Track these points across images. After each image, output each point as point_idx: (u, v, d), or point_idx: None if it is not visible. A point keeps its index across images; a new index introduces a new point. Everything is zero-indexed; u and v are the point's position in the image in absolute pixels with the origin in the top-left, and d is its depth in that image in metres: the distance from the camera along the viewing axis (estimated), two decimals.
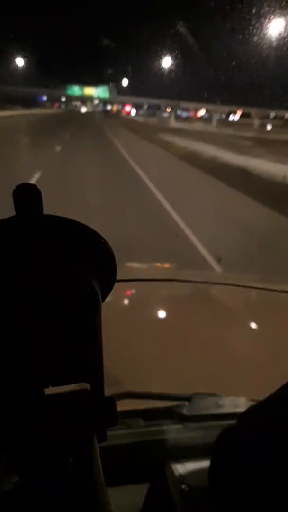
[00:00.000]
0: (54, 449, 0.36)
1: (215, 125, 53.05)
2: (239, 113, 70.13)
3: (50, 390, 0.37)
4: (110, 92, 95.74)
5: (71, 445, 0.36)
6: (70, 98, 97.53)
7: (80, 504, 0.33)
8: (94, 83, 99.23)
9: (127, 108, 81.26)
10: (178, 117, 68.69)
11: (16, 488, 0.34)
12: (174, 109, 68.15)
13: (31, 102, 76.04)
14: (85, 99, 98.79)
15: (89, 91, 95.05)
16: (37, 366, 0.36)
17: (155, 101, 76.84)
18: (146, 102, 77.63)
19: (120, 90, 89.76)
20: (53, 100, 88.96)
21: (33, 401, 0.37)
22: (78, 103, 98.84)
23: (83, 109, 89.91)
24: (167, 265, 2.12)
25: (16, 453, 0.36)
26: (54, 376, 0.37)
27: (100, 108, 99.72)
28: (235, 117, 70.98)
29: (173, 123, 50.86)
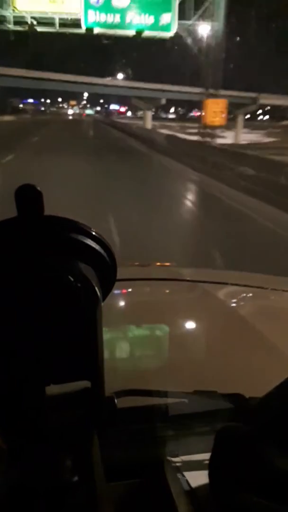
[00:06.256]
0: (55, 447, 0.36)
1: None
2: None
3: (51, 388, 0.37)
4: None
5: (72, 443, 0.36)
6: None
7: (80, 501, 0.33)
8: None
9: (112, 107, 68.87)
10: (189, 119, 59.83)
11: (16, 487, 0.34)
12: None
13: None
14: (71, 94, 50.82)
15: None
16: (38, 364, 0.36)
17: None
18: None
19: (130, 77, 43.28)
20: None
21: (34, 399, 0.37)
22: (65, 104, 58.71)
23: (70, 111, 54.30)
24: (167, 264, 2.13)
25: (17, 451, 0.36)
26: (55, 374, 0.37)
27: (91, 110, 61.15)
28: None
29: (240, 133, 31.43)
